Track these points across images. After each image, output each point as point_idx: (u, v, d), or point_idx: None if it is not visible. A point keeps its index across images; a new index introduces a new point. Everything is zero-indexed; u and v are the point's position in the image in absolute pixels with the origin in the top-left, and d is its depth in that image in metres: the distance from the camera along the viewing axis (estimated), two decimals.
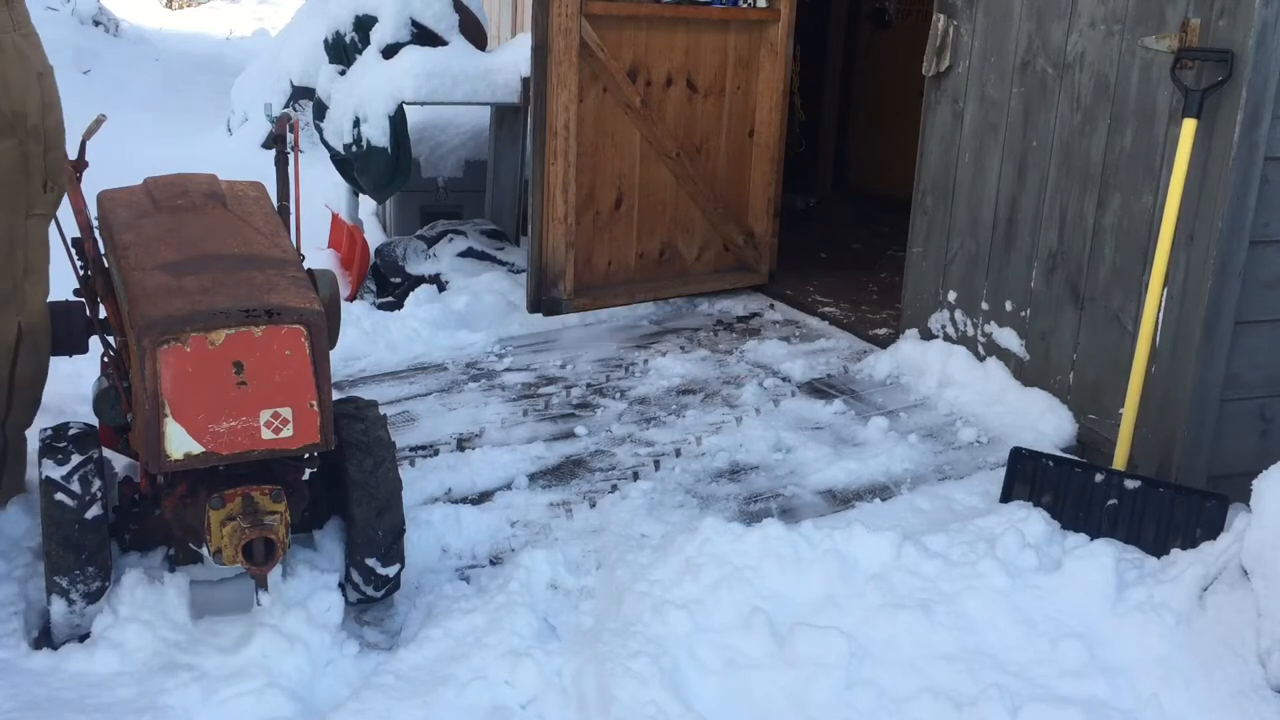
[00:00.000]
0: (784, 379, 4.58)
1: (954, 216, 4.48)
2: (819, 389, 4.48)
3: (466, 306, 5.30)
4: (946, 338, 4.56)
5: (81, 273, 3.05)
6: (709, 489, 3.68)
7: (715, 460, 3.87)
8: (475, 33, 6.32)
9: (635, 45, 5.11)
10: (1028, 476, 3.49)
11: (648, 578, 2.96)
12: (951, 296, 4.53)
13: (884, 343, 4.89)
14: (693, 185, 5.44)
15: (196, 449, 2.51)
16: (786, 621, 2.81)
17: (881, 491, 3.67)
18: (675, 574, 2.97)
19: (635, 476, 3.74)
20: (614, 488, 3.65)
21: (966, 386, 4.28)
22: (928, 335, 4.64)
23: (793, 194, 7.01)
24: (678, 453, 3.92)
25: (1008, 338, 4.25)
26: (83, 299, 3.07)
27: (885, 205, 7.35)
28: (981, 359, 4.35)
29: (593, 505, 3.55)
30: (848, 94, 8.49)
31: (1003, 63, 4.17)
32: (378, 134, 5.83)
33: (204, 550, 2.69)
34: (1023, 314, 4.17)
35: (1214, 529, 3.18)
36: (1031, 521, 3.20)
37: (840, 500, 3.62)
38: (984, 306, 4.35)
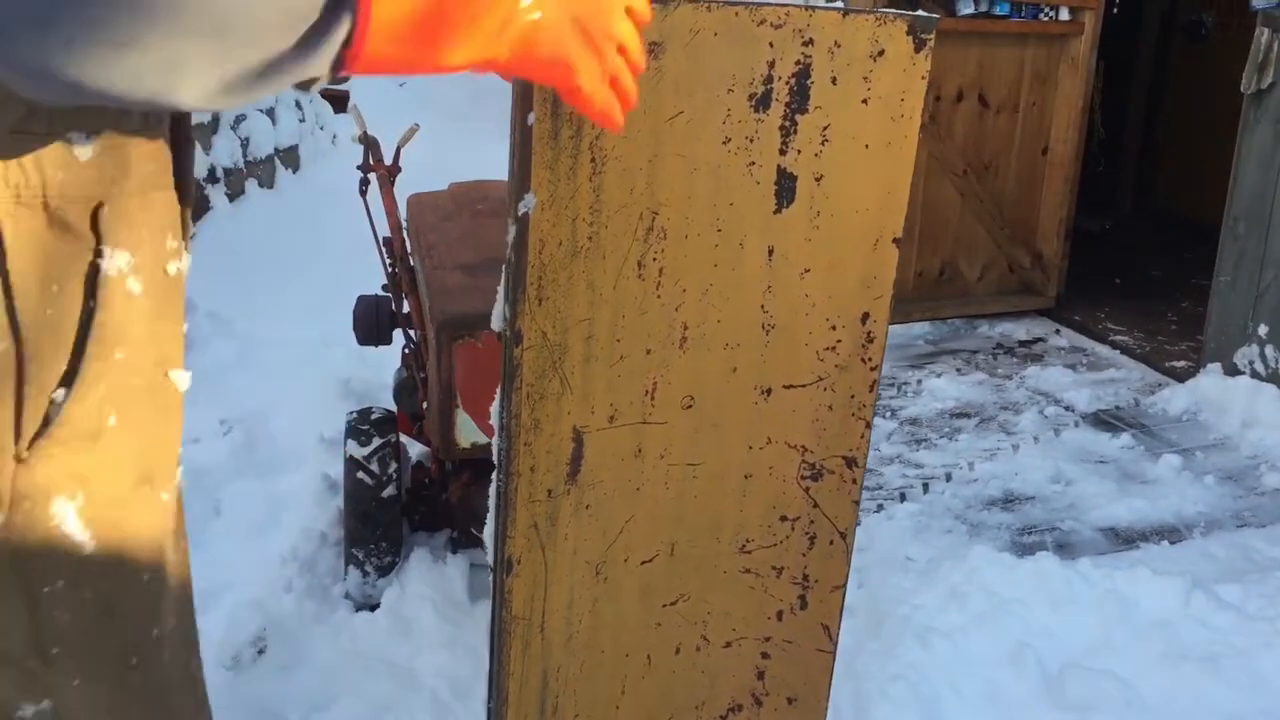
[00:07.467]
0: (1067, 408, 4.38)
1: (1269, 245, 4.16)
2: (1105, 420, 4.25)
3: None
4: (1254, 374, 4.23)
5: (389, 270, 3.28)
6: (979, 516, 3.57)
7: (988, 487, 3.75)
8: None
9: None
10: None
11: (911, 601, 2.90)
12: (1262, 330, 4.20)
13: (1181, 376, 4.58)
14: (978, 203, 5.28)
15: (483, 439, 2.64)
16: (1057, 661, 2.69)
17: (1170, 534, 3.44)
18: (940, 600, 2.89)
19: (902, 498, 3.67)
20: (879, 507, 3.60)
21: (1275, 428, 3.97)
22: (1232, 371, 4.32)
23: (1087, 215, 6.69)
24: (948, 477, 3.82)
25: None
26: (389, 294, 3.31)
27: (1189, 230, 6.89)
28: None
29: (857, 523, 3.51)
30: (1155, 110, 8.00)
31: None
32: None
33: (484, 536, 2.83)
34: None
35: None
36: None
37: (1123, 539, 3.43)
38: None
